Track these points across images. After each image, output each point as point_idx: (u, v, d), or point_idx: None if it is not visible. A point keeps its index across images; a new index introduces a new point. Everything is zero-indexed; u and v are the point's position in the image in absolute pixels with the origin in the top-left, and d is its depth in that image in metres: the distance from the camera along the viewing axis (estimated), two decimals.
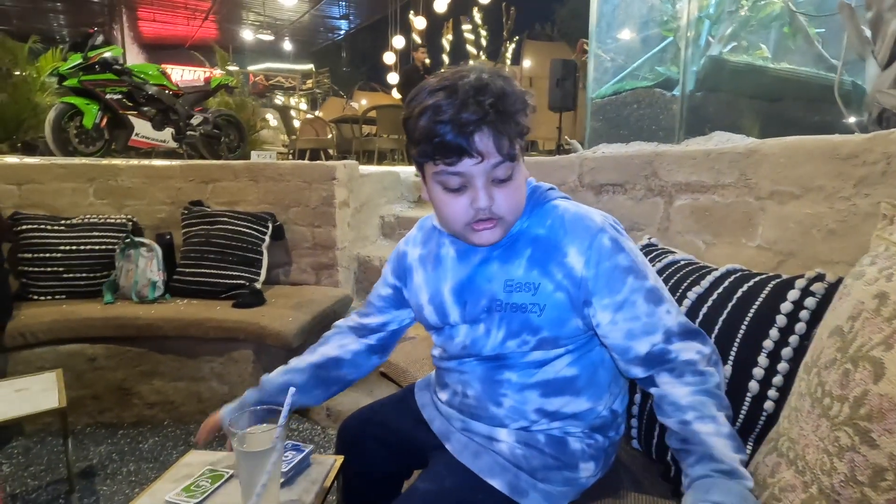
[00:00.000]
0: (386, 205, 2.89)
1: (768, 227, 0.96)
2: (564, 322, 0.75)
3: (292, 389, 0.84)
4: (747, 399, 0.76)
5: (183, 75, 12.14)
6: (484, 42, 8.51)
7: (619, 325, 0.72)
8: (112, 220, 2.24)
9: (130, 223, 2.26)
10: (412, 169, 3.98)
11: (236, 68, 9.00)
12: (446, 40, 8.51)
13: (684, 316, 0.74)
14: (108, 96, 4.05)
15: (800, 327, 0.73)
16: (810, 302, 0.73)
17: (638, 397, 0.92)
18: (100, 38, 4.26)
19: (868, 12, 1.33)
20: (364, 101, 9.92)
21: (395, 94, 9.61)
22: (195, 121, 4.49)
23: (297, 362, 0.98)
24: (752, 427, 0.76)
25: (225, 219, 2.24)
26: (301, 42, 14.86)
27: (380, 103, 7.49)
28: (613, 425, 0.85)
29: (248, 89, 9.82)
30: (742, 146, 1.01)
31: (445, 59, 8.59)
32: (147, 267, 2.11)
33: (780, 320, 0.75)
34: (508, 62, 8.45)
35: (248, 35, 13.28)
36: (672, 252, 1.01)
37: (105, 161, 2.51)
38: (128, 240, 2.13)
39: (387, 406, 1.03)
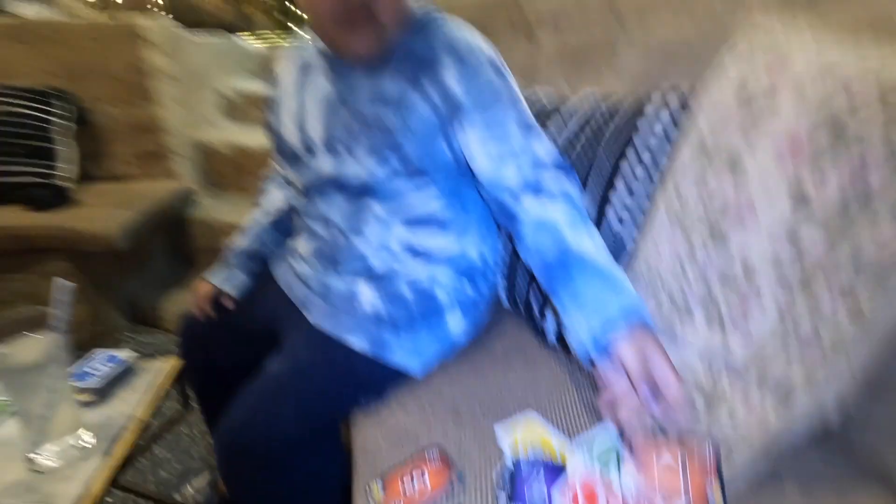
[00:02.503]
0: (225, 77, 2.42)
1: (630, 54, 0.89)
2: (430, 148, 0.69)
3: (60, 280, 0.64)
4: (604, 224, 0.73)
5: None
6: None
7: (487, 145, 0.67)
8: None
9: None
10: (259, 44, 3.34)
11: None
12: None
13: (557, 153, 0.68)
14: None
15: (649, 155, 0.69)
16: (664, 116, 0.68)
17: (505, 254, 0.86)
18: None
19: None
20: None
21: None
22: None
23: (253, 222, 0.92)
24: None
25: None
26: None
27: None
28: (482, 275, 0.81)
29: None
30: None
31: None
32: None
33: (631, 153, 0.70)
34: None
35: None
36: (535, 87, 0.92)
37: None
38: None
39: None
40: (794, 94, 0.43)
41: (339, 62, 0.73)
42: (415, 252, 0.75)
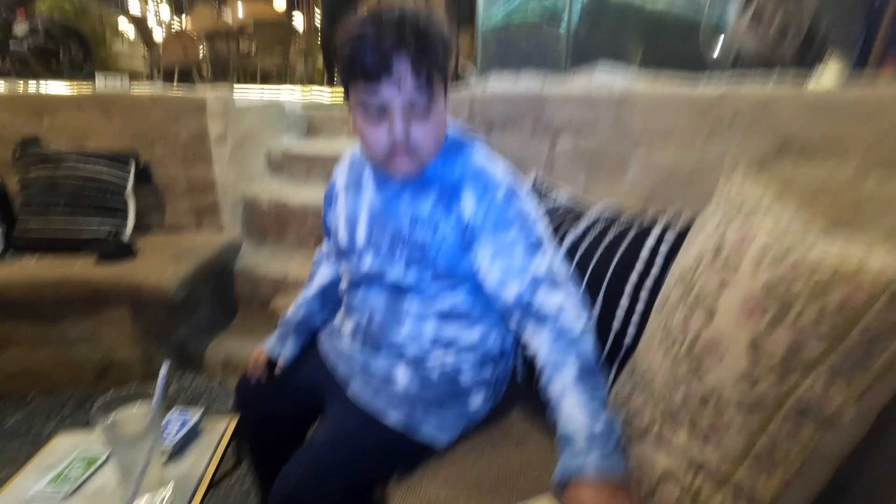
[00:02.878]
0: (272, 138, 2.65)
1: (637, 171, 1.02)
2: (458, 261, 0.82)
3: (165, 364, 0.78)
4: (611, 335, 0.85)
5: None
6: None
7: (493, 271, 0.78)
8: None
9: None
10: (299, 97, 3.65)
11: None
12: None
13: (561, 264, 0.79)
14: None
15: (654, 272, 0.82)
16: (664, 248, 0.81)
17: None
18: None
19: None
20: (239, 6, 8.68)
21: (278, 4, 8.52)
22: (19, 30, 3.67)
23: (303, 296, 1.08)
24: (614, 357, 0.86)
25: (73, 160, 1.91)
26: None
27: (259, 15, 6.61)
28: (502, 360, 0.93)
29: None
30: (618, 92, 1.05)
31: None
32: None
33: (639, 266, 0.82)
34: None
35: None
36: (556, 188, 1.06)
37: None
38: None
39: (287, 357, 1.04)
40: (754, 266, 0.56)
41: (386, 180, 0.86)
42: (443, 343, 0.87)
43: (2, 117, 2.03)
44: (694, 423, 0.60)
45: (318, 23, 7.61)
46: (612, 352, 0.86)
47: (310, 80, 6.37)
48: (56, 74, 3.77)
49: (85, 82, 2.58)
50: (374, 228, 0.87)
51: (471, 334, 0.88)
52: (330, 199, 0.99)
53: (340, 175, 0.97)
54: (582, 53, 1.60)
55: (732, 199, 0.69)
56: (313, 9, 8.00)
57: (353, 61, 0.71)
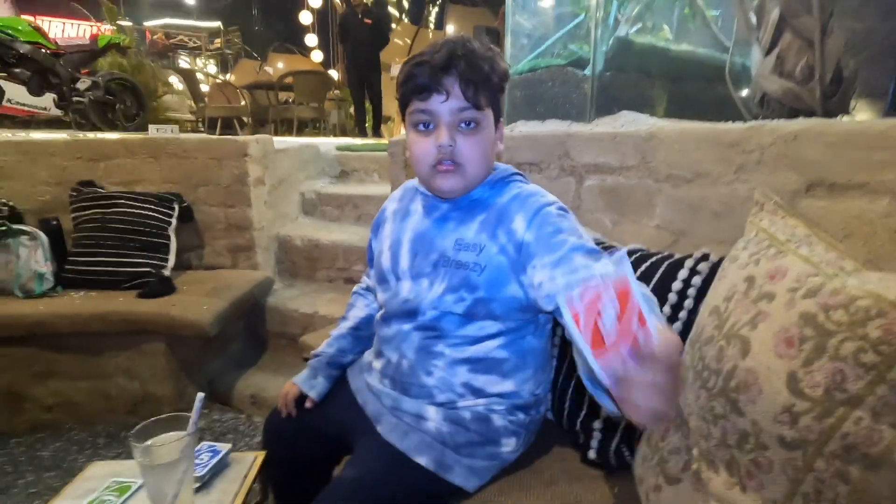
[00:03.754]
0: (306, 180, 2.77)
1: (665, 208, 1.03)
2: (502, 285, 0.80)
3: (200, 395, 0.80)
4: None
5: (65, 31, 10.61)
6: (406, 4, 8.22)
7: (556, 279, 0.73)
8: None
9: (6, 208, 1.99)
10: (333, 141, 3.83)
11: (129, 24, 8.03)
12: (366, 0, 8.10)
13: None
14: None
15: (688, 304, 0.81)
16: (696, 280, 0.81)
17: (553, 375, 0.97)
18: None
19: (754, 0, 1.43)
20: (280, 65, 9.30)
21: (315, 58, 9.09)
22: (82, 85, 4.01)
23: (337, 330, 1.07)
24: None
25: (123, 201, 2.03)
26: None
27: (297, 68, 7.05)
28: (535, 406, 0.90)
29: (146, 49, 8.81)
30: (644, 131, 1.07)
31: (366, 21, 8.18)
32: (31, 257, 1.88)
33: (672, 298, 0.82)
34: (432, 26, 8.25)
35: None
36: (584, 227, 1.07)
37: None
38: (3, 227, 1.87)
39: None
40: (789, 297, 0.55)
41: (433, 206, 0.88)
42: (475, 391, 0.84)
43: (63, 163, 2.20)
44: (734, 463, 0.58)
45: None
46: None
47: (342, 129, 6.68)
48: (111, 125, 4.07)
49: (138, 133, 2.79)
50: (418, 252, 0.87)
51: (503, 385, 0.86)
52: (378, 225, 1.00)
53: (391, 203, 1.00)
54: (607, 99, 1.64)
55: (764, 232, 0.69)
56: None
57: (409, 80, 0.79)
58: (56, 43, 4.07)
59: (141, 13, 12.45)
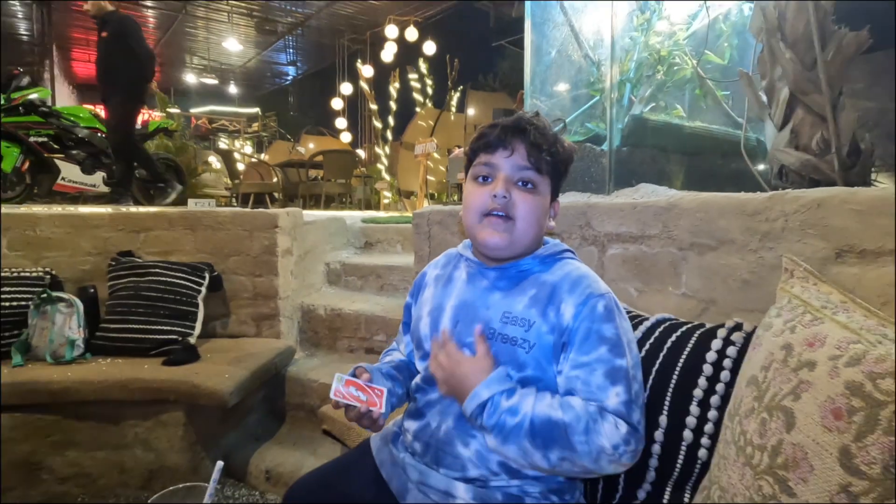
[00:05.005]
0: (332, 251, 2.84)
1: (691, 276, 1.02)
2: (547, 367, 0.78)
3: (220, 464, 0.78)
4: (682, 447, 0.78)
5: None
6: (430, 90, 8.81)
7: (570, 380, 0.75)
8: (26, 274, 2.06)
9: (48, 276, 2.08)
10: (359, 214, 3.97)
11: (177, 111, 8.79)
12: (393, 88, 8.73)
13: (637, 410, 0.73)
14: (31, 139, 3.84)
15: (724, 375, 0.78)
16: (731, 351, 0.78)
17: None
18: (25, 80, 4.08)
19: (763, 80, 1.50)
20: (311, 146, 9.91)
21: (344, 139, 9.68)
22: None
23: (382, 364, 1.00)
24: (689, 475, 0.78)
25: (157, 270, 2.11)
26: (247, 86, 14.74)
27: (327, 147, 7.50)
28: (569, 490, 0.85)
29: (190, 132, 9.57)
30: (664, 200, 1.09)
31: (392, 105, 8.79)
32: (65, 324, 1.93)
33: (707, 369, 0.79)
34: (454, 110, 8.76)
35: (191, 78, 13.04)
36: None
37: (22, 209, 2.34)
38: (43, 295, 1.96)
39: (335, 469, 0.99)
40: (831, 366, 0.53)
41: (478, 274, 0.87)
42: (511, 471, 0.80)
43: (106, 234, 2.33)
44: None
45: (378, 151, 8.50)
46: (685, 469, 0.79)
47: (366, 203, 6.95)
48: (151, 200, 4.34)
49: (177, 207, 2.96)
50: (461, 320, 0.85)
51: None
52: (418, 289, 0.98)
53: (433, 269, 0.98)
54: (625, 173, 1.69)
55: (797, 299, 0.68)
56: (374, 142, 9.02)
57: (480, 138, 0.84)
58: None
59: (189, 101, 13.67)
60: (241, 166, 7.20)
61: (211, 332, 2.29)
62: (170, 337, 1.99)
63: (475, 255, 0.89)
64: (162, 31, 10.13)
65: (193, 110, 13.11)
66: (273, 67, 13.31)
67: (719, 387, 0.78)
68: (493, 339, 0.81)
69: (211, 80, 12.72)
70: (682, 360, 0.82)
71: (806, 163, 1.35)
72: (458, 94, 8.75)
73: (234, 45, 10.27)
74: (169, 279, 2.09)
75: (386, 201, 7.53)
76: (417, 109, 8.63)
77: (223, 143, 11.46)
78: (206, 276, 2.16)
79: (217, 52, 11.34)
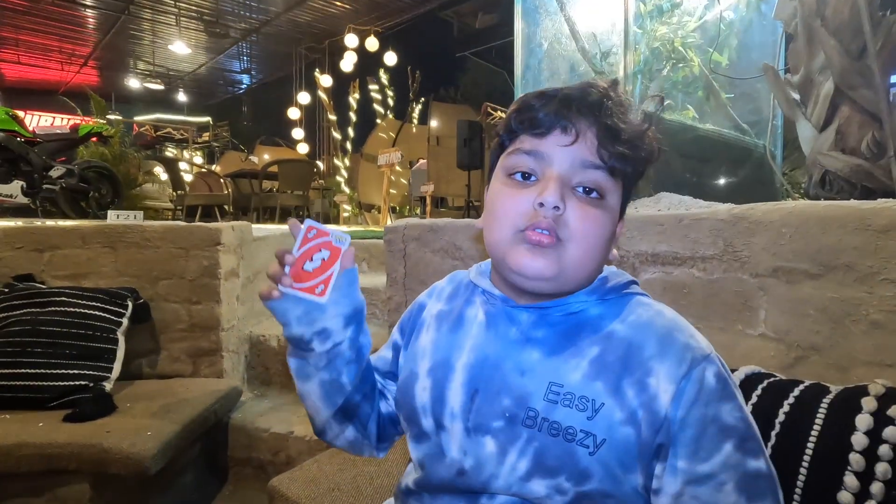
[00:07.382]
0: None
1: (775, 312, 0.77)
2: (623, 477, 0.49)
3: None
4: None
5: (54, 123, 10.80)
6: (391, 102, 8.61)
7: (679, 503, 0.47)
8: None
9: None
10: None
11: (118, 117, 8.14)
12: (353, 98, 8.44)
13: None
14: None
15: (882, 470, 0.51)
16: (890, 433, 0.52)
17: None
18: None
19: (794, 76, 1.30)
20: (266, 156, 9.44)
21: (301, 150, 9.25)
22: (55, 173, 3.89)
23: None
24: None
25: (63, 298, 1.70)
26: (198, 94, 14.03)
27: (283, 156, 7.07)
28: None
29: (131, 140, 8.88)
30: (724, 212, 0.85)
31: (352, 116, 8.50)
32: None
33: (856, 461, 0.52)
34: (415, 121, 8.58)
35: (134, 84, 12.25)
36: None
37: None
38: None
39: None
40: None
41: (507, 318, 0.57)
42: None
43: (0, 254, 1.89)
44: None
45: (338, 163, 8.18)
46: None
47: (325, 218, 6.57)
48: (83, 213, 3.86)
49: (94, 221, 2.54)
50: (479, 389, 0.55)
51: None
52: (412, 327, 0.67)
53: (433, 302, 0.67)
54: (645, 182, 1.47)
55: None
56: (333, 153, 8.69)
57: (523, 110, 0.54)
58: (33, 132, 3.97)
59: (134, 108, 12.84)
60: (188, 177, 6.66)
61: (136, 373, 1.88)
62: (77, 384, 1.57)
63: (497, 284, 0.59)
64: (102, 33, 9.44)
65: (138, 118, 12.29)
66: (226, 75, 12.72)
67: (875, 488, 0.52)
68: (535, 428, 0.50)
69: (157, 86, 12.01)
70: (810, 447, 0.56)
71: (857, 168, 1.15)
72: (419, 106, 8.57)
73: (181, 48, 9.66)
74: (78, 309, 1.68)
75: (346, 214, 7.21)
76: (378, 121, 8.37)
77: (170, 153, 10.78)
78: (129, 304, 1.76)
79: (164, 56, 10.69)
